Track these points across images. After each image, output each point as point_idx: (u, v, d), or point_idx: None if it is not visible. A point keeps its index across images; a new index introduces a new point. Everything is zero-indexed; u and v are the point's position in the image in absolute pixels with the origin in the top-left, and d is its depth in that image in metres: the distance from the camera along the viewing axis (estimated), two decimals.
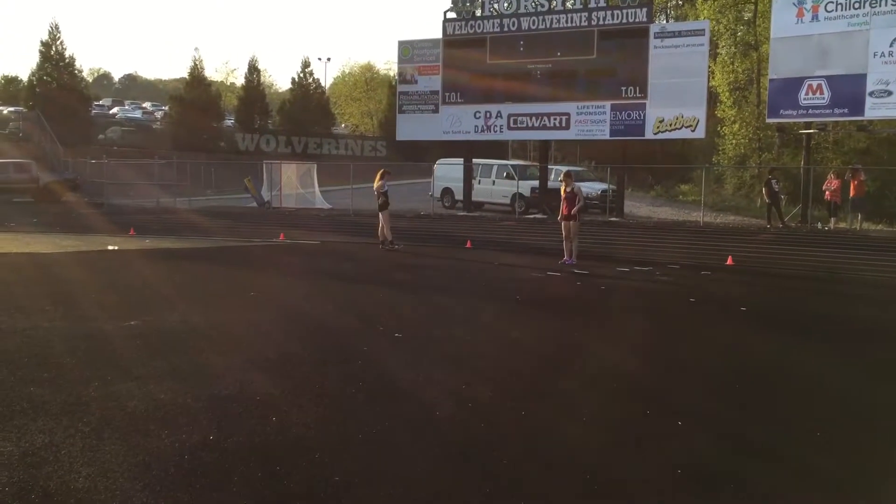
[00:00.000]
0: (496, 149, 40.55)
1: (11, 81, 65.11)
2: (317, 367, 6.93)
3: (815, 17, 22.72)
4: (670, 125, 24.68)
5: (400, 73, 30.39)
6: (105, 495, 4.09)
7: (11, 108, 50.50)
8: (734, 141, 37.34)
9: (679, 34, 24.86)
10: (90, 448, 4.75)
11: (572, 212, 15.10)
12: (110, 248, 16.95)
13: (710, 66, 30.37)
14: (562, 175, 16.87)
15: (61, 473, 4.35)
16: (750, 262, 16.11)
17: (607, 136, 26.24)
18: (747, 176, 37.66)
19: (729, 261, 15.65)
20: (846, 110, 22.68)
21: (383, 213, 17.45)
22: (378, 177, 17.73)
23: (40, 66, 48.34)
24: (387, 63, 78.15)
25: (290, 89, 59.37)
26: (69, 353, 7.12)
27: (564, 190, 15.39)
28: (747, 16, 38.96)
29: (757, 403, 6.21)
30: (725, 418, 5.84)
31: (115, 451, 4.70)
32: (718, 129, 37.38)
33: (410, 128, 29.60)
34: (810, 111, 23.20)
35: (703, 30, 25.27)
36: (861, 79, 22.00)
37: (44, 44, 48.29)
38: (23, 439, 4.86)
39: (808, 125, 24.72)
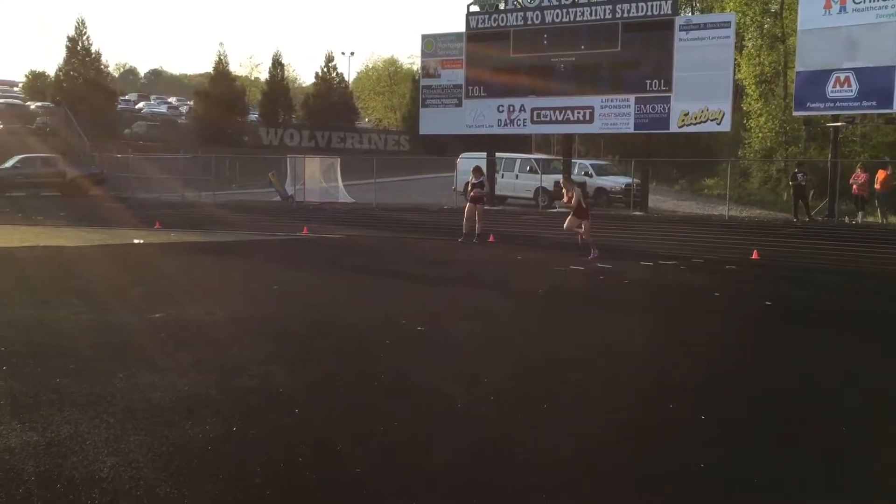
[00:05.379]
0: (519, 143, 40.42)
1: (39, 76, 65.82)
2: (339, 359, 6.95)
3: (842, 9, 22.40)
4: (695, 118, 24.45)
5: (423, 67, 30.31)
6: (129, 485, 4.12)
7: (39, 103, 51.07)
8: (760, 134, 36.96)
9: (704, 27, 24.59)
10: (115, 439, 4.79)
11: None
12: (136, 241, 17.10)
13: (735, 59, 30.03)
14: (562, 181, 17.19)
15: (86, 463, 4.39)
16: (776, 257, 15.97)
17: (631, 130, 26.04)
18: (773, 169, 37.27)
19: (754, 255, 15.52)
20: (874, 103, 22.35)
21: (477, 207, 17.68)
22: (472, 174, 18.23)
23: (67, 62, 48.82)
24: (410, 57, 78.04)
25: (314, 84, 59.58)
26: (95, 346, 7.19)
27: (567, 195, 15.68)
28: (774, 8, 38.52)
29: (782, 401, 6.15)
30: (749, 415, 5.78)
31: (140, 442, 4.73)
32: (744, 122, 37.01)
33: (433, 122, 29.54)
34: (838, 104, 22.89)
35: (729, 22, 24.96)
36: (890, 71, 21.66)
37: (70, 39, 48.78)
38: (49, 430, 4.91)
39: (835, 118, 24.39)
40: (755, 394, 6.29)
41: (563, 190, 15.85)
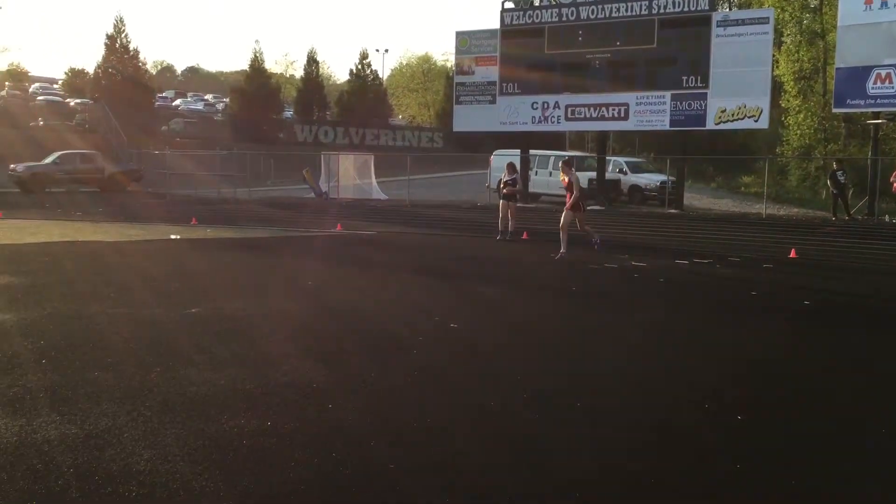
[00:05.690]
0: (553, 140, 40.24)
1: (78, 74, 66.76)
2: (372, 355, 6.96)
3: (884, 5, 22.00)
4: (733, 115, 24.17)
5: (457, 64, 30.29)
6: (166, 478, 4.17)
7: (78, 100, 51.82)
8: (799, 131, 36.47)
9: (742, 22, 24.29)
10: (152, 432, 4.84)
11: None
12: (173, 237, 17.28)
13: (774, 55, 29.63)
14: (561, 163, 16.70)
15: (124, 456, 4.45)
16: (814, 256, 15.75)
17: (667, 127, 25.78)
18: (812, 167, 36.76)
19: (792, 254, 15.32)
20: None
21: (510, 204, 17.60)
22: (506, 170, 18.16)
23: (106, 59, 49.53)
24: (444, 54, 78.16)
25: (349, 81, 59.88)
26: (132, 340, 7.27)
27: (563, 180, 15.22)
28: (813, 3, 37.98)
29: (823, 401, 6.06)
30: (789, 416, 5.69)
31: (176, 435, 4.78)
32: (782, 119, 36.55)
33: (467, 119, 29.51)
34: (878, 101, 22.50)
35: (768, 18, 24.62)
36: None
37: (109, 37, 49.47)
38: (87, 422, 4.98)
39: (876, 115, 23.99)
40: (795, 395, 6.19)
41: (561, 174, 15.57)
